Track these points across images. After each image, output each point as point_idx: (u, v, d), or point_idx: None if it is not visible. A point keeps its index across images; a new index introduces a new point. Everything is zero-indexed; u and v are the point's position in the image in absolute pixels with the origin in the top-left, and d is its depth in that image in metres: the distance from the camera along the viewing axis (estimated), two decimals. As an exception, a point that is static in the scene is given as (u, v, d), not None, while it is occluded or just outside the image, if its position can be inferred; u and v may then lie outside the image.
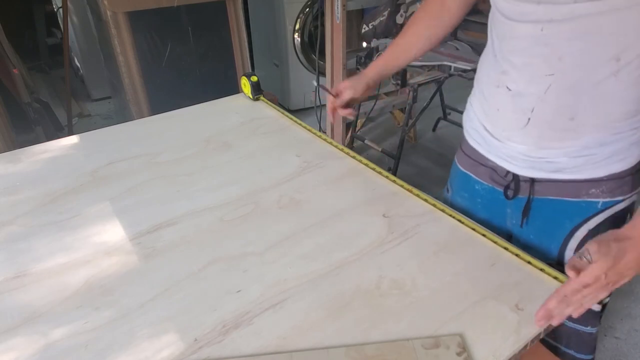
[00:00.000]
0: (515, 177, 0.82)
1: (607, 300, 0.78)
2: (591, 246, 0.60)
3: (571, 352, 0.86)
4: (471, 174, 0.91)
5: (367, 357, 0.59)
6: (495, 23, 0.77)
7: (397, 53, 0.98)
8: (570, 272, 0.60)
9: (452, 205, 0.91)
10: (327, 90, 1.02)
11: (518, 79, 0.73)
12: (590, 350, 0.86)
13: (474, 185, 0.91)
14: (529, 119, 0.73)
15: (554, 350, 0.87)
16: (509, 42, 0.73)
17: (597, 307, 0.80)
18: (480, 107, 0.84)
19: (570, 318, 0.75)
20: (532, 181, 0.80)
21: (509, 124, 0.77)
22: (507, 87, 0.75)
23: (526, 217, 0.84)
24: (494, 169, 0.85)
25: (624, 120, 0.70)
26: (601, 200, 0.76)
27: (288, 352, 0.61)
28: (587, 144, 0.72)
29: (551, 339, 0.86)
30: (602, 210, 0.76)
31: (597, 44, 0.64)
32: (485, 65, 0.83)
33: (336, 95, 0.99)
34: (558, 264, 0.81)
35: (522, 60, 0.72)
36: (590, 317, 0.82)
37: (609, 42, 0.63)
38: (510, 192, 0.84)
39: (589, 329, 0.83)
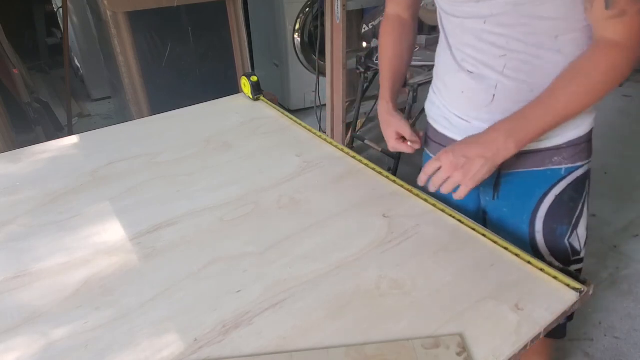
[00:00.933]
0: None
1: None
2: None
3: None
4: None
5: (367, 357, 0.59)
6: (444, 21, 0.86)
7: (396, 76, 0.99)
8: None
9: (429, 195, 0.92)
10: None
11: (476, 63, 0.81)
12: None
13: None
14: (494, 95, 0.81)
15: None
16: (460, 36, 0.83)
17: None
18: (444, 92, 0.91)
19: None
20: None
21: (475, 104, 0.84)
22: (468, 71, 0.83)
23: (497, 192, 0.90)
24: None
25: None
26: (564, 166, 0.85)
27: (288, 352, 0.61)
28: None
29: None
30: (565, 176, 0.85)
31: (537, 28, 0.73)
32: (443, 57, 0.90)
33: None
34: (531, 239, 0.90)
35: (475, 49, 0.81)
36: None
37: (548, 26, 0.73)
38: None
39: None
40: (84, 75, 3.64)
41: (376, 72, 2.44)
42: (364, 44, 2.41)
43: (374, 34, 2.32)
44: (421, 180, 0.82)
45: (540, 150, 0.84)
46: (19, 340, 0.63)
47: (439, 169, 0.79)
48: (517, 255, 0.74)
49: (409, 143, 0.94)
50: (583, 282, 0.69)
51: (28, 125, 2.68)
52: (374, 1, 2.51)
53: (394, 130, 0.95)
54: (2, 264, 0.77)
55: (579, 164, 0.86)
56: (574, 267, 0.90)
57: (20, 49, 3.25)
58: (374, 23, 2.30)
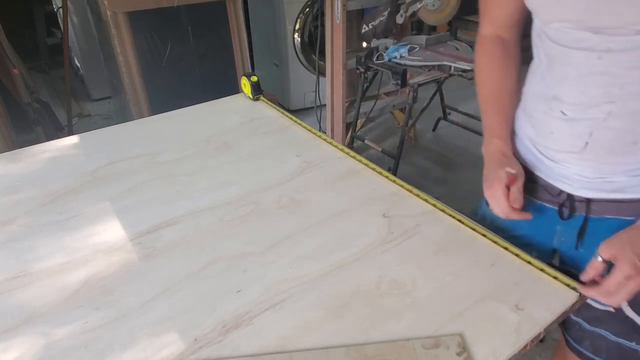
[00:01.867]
0: (570, 196, 0.77)
1: None
2: (600, 247, 0.65)
3: None
4: None
5: (367, 357, 0.59)
6: (543, 45, 0.72)
7: (505, 108, 0.83)
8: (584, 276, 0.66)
9: (491, 219, 0.85)
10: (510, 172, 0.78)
11: (573, 106, 0.69)
12: None
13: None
14: (587, 143, 0.69)
15: None
16: (560, 67, 0.69)
17: None
18: (530, 127, 0.79)
19: (613, 330, 0.77)
20: (588, 201, 0.75)
21: (564, 148, 0.73)
22: (562, 112, 0.70)
23: (581, 239, 0.78)
24: (545, 187, 0.80)
25: None
26: None
27: (288, 352, 0.61)
28: None
29: (589, 351, 0.82)
30: None
31: None
32: (534, 85, 0.77)
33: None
34: None
35: (577, 88, 0.67)
36: (633, 332, 0.77)
37: None
38: (565, 211, 0.79)
39: (633, 345, 0.77)
40: (84, 75, 3.64)
41: (376, 72, 2.44)
42: (364, 44, 2.40)
43: (374, 34, 2.32)
44: (587, 276, 0.67)
45: (635, 200, 0.72)
46: (19, 340, 0.63)
47: (608, 267, 0.65)
48: (517, 255, 0.74)
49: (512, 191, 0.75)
50: (583, 284, 0.69)
51: (28, 125, 2.68)
52: (374, 1, 2.51)
53: (503, 180, 0.75)
54: (2, 264, 0.77)
55: None
56: None
57: (20, 49, 3.25)
58: (374, 23, 2.30)
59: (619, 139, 0.67)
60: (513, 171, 0.75)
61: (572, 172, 0.74)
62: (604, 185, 0.72)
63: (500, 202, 0.75)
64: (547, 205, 0.81)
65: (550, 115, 0.73)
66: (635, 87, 0.63)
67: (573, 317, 0.82)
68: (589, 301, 0.77)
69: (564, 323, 0.85)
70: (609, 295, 0.65)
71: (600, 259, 0.66)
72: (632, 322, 0.75)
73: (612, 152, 0.68)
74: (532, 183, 0.82)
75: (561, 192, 0.78)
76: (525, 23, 0.81)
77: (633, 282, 0.63)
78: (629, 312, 0.74)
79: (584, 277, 0.68)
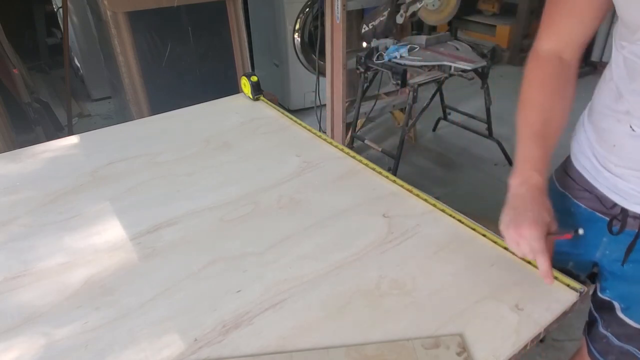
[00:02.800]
0: (624, 211, 0.74)
1: None
2: None
3: None
4: (570, 196, 0.83)
5: (367, 357, 0.59)
6: (620, 58, 0.68)
7: (550, 141, 0.75)
8: None
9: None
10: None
11: None
12: None
13: (570, 207, 0.82)
14: None
15: None
16: (638, 83, 0.65)
17: None
18: (593, 134, 0.76)
19: (623, 338, 0.76)
20: None
21: (626, 163, 0.70)
22: (631, 127, 0.67)
23: (628, 255, 0.75)
24: (599, 198, 0.77)
25: None
26: None
27: (288, 352, 0.61)
28: None
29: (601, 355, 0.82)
30: None
31: None
32: (605, 94, 0.73)
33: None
34: None
35: None
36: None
37: None
38: (616, 224, 0.76)
39: None
40: (84, 75, 3.64)
41: (376, 72, 2.44)
42: (364, 44, 2.40)
43: (374, 34, 2.32)
44: None
45: None
46: (19, 340, 0.63)
47: None
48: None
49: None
50: (583, 283, 0.69)
51: (28, 125, 2.68)
52: (374, 1, 2.51)
53: (544, 219, 0.68)
54: (2, 264, 0.77)
55: None
56: None
57: (20, 49, 3.25)
58: (374, 23, 2.30)
59: None
60: (581, 232, 0.68)
61: (630, 188, 0.71)
62: None
63: (535, 240, 0.66)
64: (598, 214, 0.78)
65: (617, 128, 0.69)
66: None
67: (602, 330, 0.81)
68: (623, 318, 0.76)
69: (589, 332, 0.84)
70: None
71: None
72: None
73: None
74: (586, 191, 0.80)
75: (615, 205, 0.74)
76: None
77: None
78: None
79: None
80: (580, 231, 0.68)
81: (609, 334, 0.80)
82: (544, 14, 0.76)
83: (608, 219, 0.76)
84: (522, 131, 0.75)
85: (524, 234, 0.66)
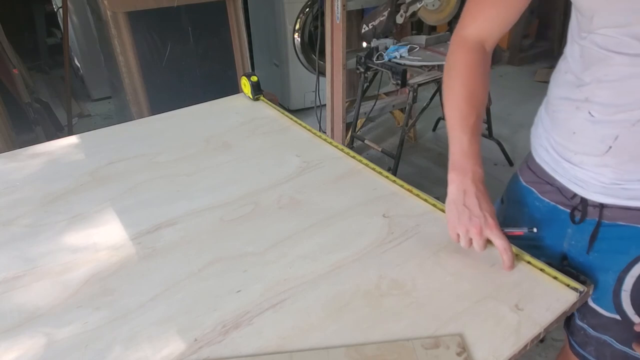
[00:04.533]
0: (584, 200, 0.76)
1: None
2: None
3: None
4: (534, 190, 0.85)
5: (367, 357, 0.59)
6: (583, 46, 0.70)
7: (479, 128, 0.80)
8: None
9: (504, 219, 0.87)
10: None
11: (604, 108, 0.67)
12: None
13: (535, 202, 0.85)
14: (610, 147, 0.68)
15: None
16: (599, 69, 0.67)
17: None
18: (551, 126, 0.78)
19: (618, 338, 0.77)
20: (602, 206, 0.74)
21: (585, 150, 0.72)
22: (590, 113, 0.69)
23: (592, 243, 0.77)
24: (560, 190, 0.80)
25: None
26: None
27: (288, 352, 0.61)
28: None
29: (593, 356, 0.82)
30: None
31: None
32: (562, 84, 0.75)
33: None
34: (614, 293, 0.76)
35: (611, 91, 0.66)
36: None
37: None
38: (577, 214, 0.78)
39: (638, 355, 0.77)
40: (84, 75, 3.64)
41: (376, 72, 2.44)
42: (364, 44, 2.40)
43: (374, 34, 2.32)
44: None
45: None
46: (19, 340, 0.63)
47: None
48: (517, 255, 0.74)
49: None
50: (583, 283, 0.69)
51: (28, 125, 2.68)
52: (374, 1, 2.51)
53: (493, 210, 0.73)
54: (2, 264, 0.77)
55: None
56: None
57: (20, 49, 3.24)
58: (374, 23, 2.30)
59: None
60: (535, 230, 0.73)
61: (589, 176, 0.73)
62: (620, 192, 0.71)
63: (501, 239, 0.71)
64: (560, 207, 0.81)
65: (576, 116, 0.71)
66: None
67: (578, 322, 0.82)
68: (595, 308, 0.77)
69: (568, 327, 0.85)
70: None
71: None
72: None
73: (634, 160, 0.68)
74: (547, 184, 0.82)
75: (575, 195, 0.77)
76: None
77: None
78: (637, 320, 0.74)
79: (637, 327, 0.71)
80: (535, 230, 0.73)
81: (585, 326, 0.81)
82: (469, 2, 0.80)
83: (569, 210, 0.79)
84: (456, 122, 0.77)
85: (486, 234, 0.71)
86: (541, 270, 0.71)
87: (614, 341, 0.78)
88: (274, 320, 0.65)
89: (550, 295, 0.67)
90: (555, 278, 0.70)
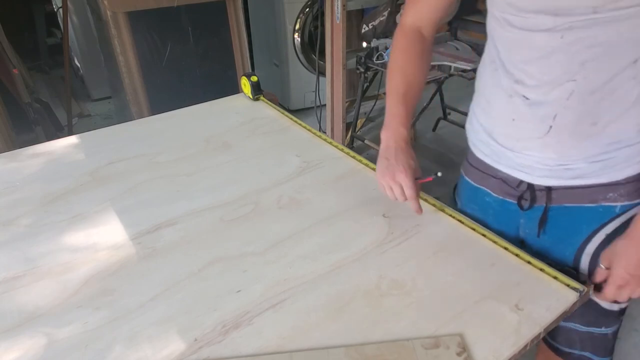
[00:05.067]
0: (530, 186, 0.79)
1: (625, 305, 0.81)
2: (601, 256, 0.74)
3: (586, 354, 0.84)
4: (480, 187, 0.88)
5: (367, 357, 0.59)
6: (501, 32, 0.74)
7: (412, 101, 0.87)
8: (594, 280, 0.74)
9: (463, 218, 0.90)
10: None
11: (537, 88, 0.70)
12: (607, 352, 0.85)
13: (484, 198, 0.87)
14: (551, 126, 0.71)
15: (569, 357, 0.86)
16: (522, 51, 0.71)
17: (614, 307, 0.80)
18: (487, 118, 0.81)
19: (581, 321, 0.81)
20: (549, 189, 0.77)
21: (526, 134, 0.74)
22: (524, 97, 0.72)
23: (543, 227, 0.81)
24: (504, 180, 0.82)
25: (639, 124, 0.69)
26: (619, 204, 0.74)
27: (288, 352, 0.61)
28: (606, 148, 0.70)
29: (564, 345, 0.85)
30: (619, 215, 0.75)
31: (617, 49, 0.64)
32: (491, 75, 0.78)
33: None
34: (574, 269, 0.80)
35: (540, 69, 0.69)
36: (601, 318, 0.81)
37: (628, 47, 0.63)
38: (525, 203, 0.81)
39: (602, 330, 0.82)
40: (84, 75, 3.64)
41: (376, 72, 2.44)
42: (364, 44, 2.40)
43: (374, 34, 2.32)
44: (595, 280, 0.75)
45: (593, 186, 0.74)
46: (19, 340, 0.63)
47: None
48: (517, 255, 0.74)
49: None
50: (583, 283, 0.69)
51: (28, 125, 2.68)
52: (374, 1, 2.51)
53: (411, 166, 0.80)
54: (2, 264, 0.77)
55: (638, 200, 0.75)
56: (623, 305, 0.81)
57: (20, 49, 3.24)
58: (374, 23, 2.30)
59: (580, 121, 0.69)
60: (440, 174, 0.82)
61: (534, 161, 0.75)
62: (564, 173, 0.74)
63: (408, 188, 0.79)
64: (508, 199, 0.84)
65: (512, 103, 0.74)
66: (595, 64, 0.65)
67: None
68: None
69: None
70: (612, 299, 0.73)
71: (602, 266, 0.73)
72: (598, 308, 0.80)
73: (574, 136, 0.70)
74: (491, 178, 0.84)
75: (521, 182, 0.79)
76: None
77: (628, 288, 0.70)
78: (594, 297, 0.77)
79: (594, 280, 0.75)
80: (439, 174, 0.82)
81: None
82: None
83: (516, 200, 0.82)
84: (390, 93, 0.87)
85: (398, 179, 0.79)
86: (541, 270, 0.71)
87: (579, 325, 0.82)
88: (274, 320, 0.65)
89: (550, 295, 0.67)
90: (555, 278, 0.70)
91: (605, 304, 0.79)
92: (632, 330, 1.62)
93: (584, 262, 0.78)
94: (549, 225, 0.81)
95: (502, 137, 0.78)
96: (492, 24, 0.76)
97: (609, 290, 0.72)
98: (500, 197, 0.85)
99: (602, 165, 0.72)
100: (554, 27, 0.65)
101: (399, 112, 0.84)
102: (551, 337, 0.87)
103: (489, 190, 0.86)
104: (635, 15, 0.60)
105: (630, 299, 0.77)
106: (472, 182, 0.90)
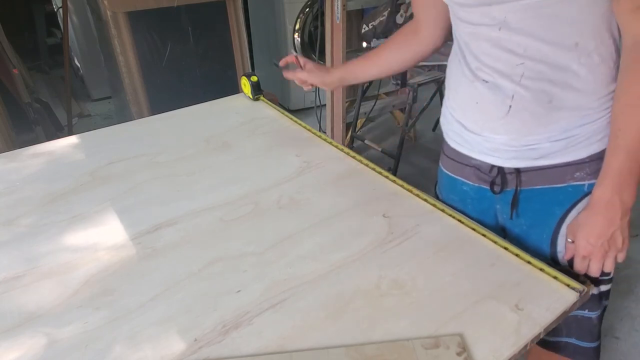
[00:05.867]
0: (501, 170, 0.82)
1: (606, 288, 0.84)
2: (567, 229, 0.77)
3: (572, 340, 0.86)
4: (457, 177, 0.91)
5: (367, 357, 0.59)
6: (458, 29, 0.81)
7: (365, 65, 1.03)
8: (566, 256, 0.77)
9: (443, 207, 0.93)
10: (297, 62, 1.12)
11: (491, 71, 0.75)
12: (593, 338, 0.86)
13: (462, 187, 0.91)
14: (510, 106, 0.75)
15: (555, 346, 0.87)
16: (475, 44, 0.77)
17: (594, 290, 0.79)
18: (456, 106, 0.86)
19: None
20: (518, 172, 0.81)
21: (490, 116, 0.78)
22: (484, 80, 0.77)
23: (515, 209, 0.84)
24: (477, 167, 0.86)
25: (596, 101, 0.73)
26: (587, 182, 0.77)
27: (288, 352, 0.61)
28: (567, 126, 0.74)
29: (549, 335, 0.84)
30: (588, 193, 0.77)
31: (556, 33, 0.68)
32: (455, 67, 0.84)
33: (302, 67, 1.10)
34: (552, 258, 0.83)
35: (490, 57, 0.75)
36: (586, 300, 0.81)
37: (566, 31, 0.68)
38: (497, 187, 0.84)
39: (586, 313, 0.84)
40: (84, 75, 3.64)
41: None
42: (364, 44, 2.40)
43: (374, 34, 2.32)
44: (567, 256, 0.78)
45: (560, 165, 0.78)
46: (19, 340, 0.63)
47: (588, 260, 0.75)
48: (517, 255, 0.74)
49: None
50: (583, 283, 0.69)
51: (28, 125, 2.68)
52: (374, 1, 2.51)
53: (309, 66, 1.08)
54: (2, 264, 0.77)
55: None
56: (603, 288, 0.84)
57: (20, 49, 3.25)
58: (374, 23, 2.30)
59: (537, 99, 0.73)
60: (294, 53, 0.96)
61: (500, 143, 0.79)
62: (530, 153, 0.77)
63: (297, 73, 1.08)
64: (483, 185, 0.87)
65: (474, 87, 0.79)
66: (536, 49, 0.70)
67: None
68: None
69: None
70: (581, 272, 0.75)
71: (569, 240, 0.77)
72: None
73: (532, 114, 0.74)
74: (466, 167, 0.88)
75: (492, 167, 0.83)
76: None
77: (594, 259, 0.73)
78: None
79: (566, 256, 0.78)
80: (294, 53, 1.07)
81: None
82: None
83: (489, 186, 0.86)
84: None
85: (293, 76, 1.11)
86: (541, 270, 0.71)
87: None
88: (274, 320, 0.65)
89: (550, 295, 0.67)
90: (555, 278, 0.70)
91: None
92: (632, 330, 1.62)
93: (561, 244, 0.81)
94: (524, 209, 0.84)
95: (470, 122, 0.83)
96: (452, 18, 0.83)
97: (576, 262, 0.75)
98: (477, 185, 0.88)
99: (564, 144, 0.75)
100: (492, 20, 0.71)
101: (343, 65, 1.06)
102: None
103: (465, 180, 0.90)
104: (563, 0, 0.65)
105: (609, 280, 0.83)
106: (449, 173, 0.94)
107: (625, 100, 0.67)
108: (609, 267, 0.74)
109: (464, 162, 0.88)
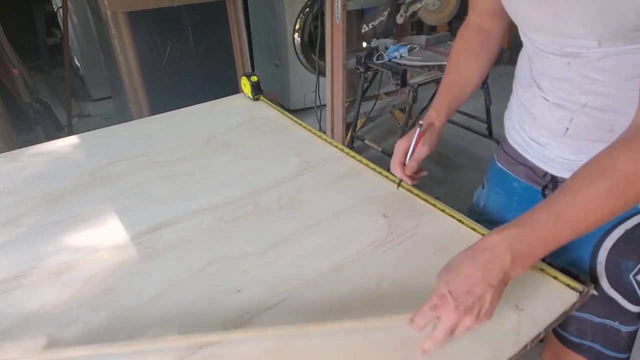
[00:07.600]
0: (554, 178, 0.82)
1: None
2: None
3: (596, 346, 0.83)
4: (509, 172, 0.91)
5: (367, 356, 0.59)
6: (525, 44, 0.78)
7: (457, 92, 0.92)
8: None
9: (484, 202, 0.97)
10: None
11: (554, 95, 0.74)
12: (618, 349, 0.82)
13: (512, 183, 0.91)
14: (567, 128, 0.74)
15: (578, 347, 0.84)
16: (540, 62, 0.75)
17: (634, 308, 0.78)
18: (517, 110, 0.85)
19: (597, 312, 0.79)
20: None
21: (547, 132, 0.78)
22: (544, 98, 0.76)
23: None
24: (532, 169, 0.85)
25: None
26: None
27: (288, 352, 0.61)
28: None
29: (574, 336, 0.84)
30: (639, 211, 0.73)
31: (623, 70, 0.66)
32: (521, 71, 0.82)
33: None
34: (590, 268, 0.78)
35: (553, 84, 0.73)
36: (618, 313, 0.79)
37: (634, 67, 0.65)
38: (548, 192, 0.84)
39: (616, 325, 0.80)
40: (84, 75, 3.64)
41: (376, 72, 2.43)
42: (364, 44, 2.40)
43: (374, 34, 2.32)
44: (417, 327, 0.60)
45: None
46: (19, 341, 0.63)
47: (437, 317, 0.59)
48: (517, 255, 0.74)
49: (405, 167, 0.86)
50: (583, 283, 0.69)
51: (28, 125, 2.68)
52: (374, 1, 2.51)
53: (406, 145, 0.87)
54: (2, 264, 0.77)
55: None
56: None
57: (20, 49, 3.24)
58: (374, 23, 2.30)
59: (597, 126, 0.71)
60: (421, 122, 0.87)
61: (555, 155, 0.78)
62: None
63: (397, 153, 0.87)
64: (534, 186, 0.86)
65: (535, 102, 0.78)
66: (602, 85, 0.68)
67: None
68: None
69: None
70: (418, 326, 0.60)
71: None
72: (614, 303, 0.79)
73: (590, 139, 0.72)
74: (520, 164, 0.88)
75: (546, 174, 0.82)
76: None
77: (446, 314, 0.57)
78: (612, 293, 0.77)
79: (416, 323, 0.61)
80: (421, 121, 0.88)
81: None
82: None
83: (541, 189, 0.84)
84: (442, 86, 0.93)
85: (397, 144, 0.88)
86: (541, 270, 0.71)
87: (593, 316, 0.81)
88: (274, 321, 0.65)
89: (550, 295, 0.67)
90: (555, 278, 0.70)
91: (623, 302, 0.77)
92: None
93: (602, 257, 0.78)
94: None
95: (528, 128, 0.82)
96: (520, 34, 0.78)
97: (420, 311, 0.60)
98: (527, 183, 0.87)
99: None
100: (562, 54, 0.69)
101: (437, 99, 0.92)
102: (561, 327, 0.86)
103: (516, 176, 0.89)
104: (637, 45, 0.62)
105: None
106: (503, 168, 0.93)
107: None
108: (459, 332, 0.58)
109: (518, 160, 0.88)
